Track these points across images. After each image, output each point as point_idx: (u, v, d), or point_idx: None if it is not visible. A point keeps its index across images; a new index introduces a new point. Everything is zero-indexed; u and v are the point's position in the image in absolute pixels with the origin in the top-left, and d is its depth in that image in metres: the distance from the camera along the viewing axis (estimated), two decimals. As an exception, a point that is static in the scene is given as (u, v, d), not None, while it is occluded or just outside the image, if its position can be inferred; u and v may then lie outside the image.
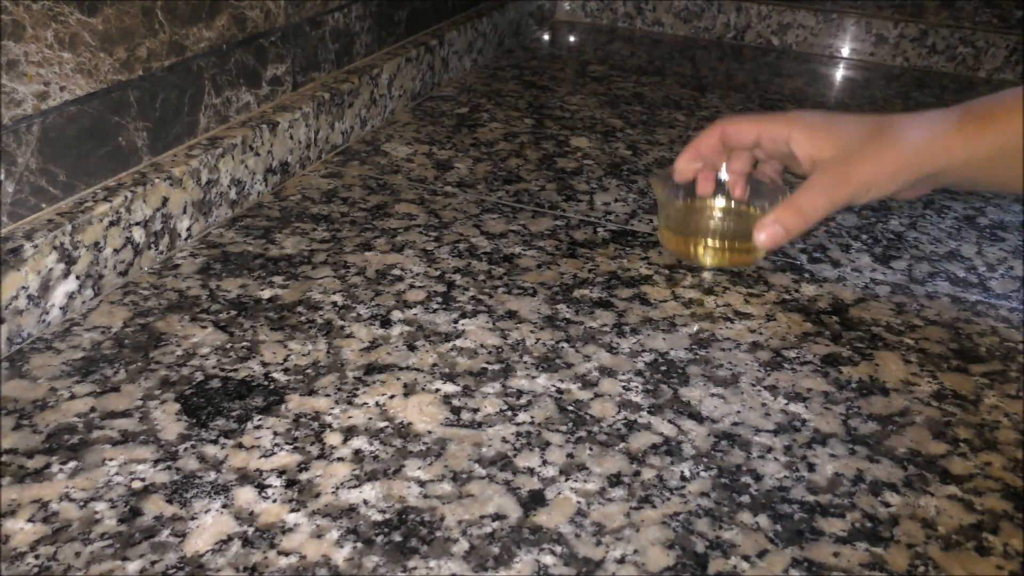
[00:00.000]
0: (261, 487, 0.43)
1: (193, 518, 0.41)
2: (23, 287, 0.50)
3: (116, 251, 0.56)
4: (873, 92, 1.07)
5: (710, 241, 0.65)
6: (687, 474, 0.45)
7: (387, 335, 0.55)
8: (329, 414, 0.48)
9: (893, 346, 0.57)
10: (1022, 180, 0.54)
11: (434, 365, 0.52)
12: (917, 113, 0.57)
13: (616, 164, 0.81)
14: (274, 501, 0.42)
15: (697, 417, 0.49)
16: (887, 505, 0.44)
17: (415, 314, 0.57)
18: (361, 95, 0.81)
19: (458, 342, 0.54)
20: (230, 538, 0.40)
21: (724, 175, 0.65)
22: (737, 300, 0.61)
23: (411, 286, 0.60)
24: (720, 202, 0.66)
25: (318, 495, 0.43)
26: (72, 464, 0.43)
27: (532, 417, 0.48)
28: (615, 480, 0.45)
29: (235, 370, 0.51)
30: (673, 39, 1.24)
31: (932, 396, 0.52)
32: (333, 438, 0.46)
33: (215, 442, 0.45)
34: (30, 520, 0.40)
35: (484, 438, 0.47)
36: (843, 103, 1.04)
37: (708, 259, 0.64)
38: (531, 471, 0.45)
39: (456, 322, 0.56)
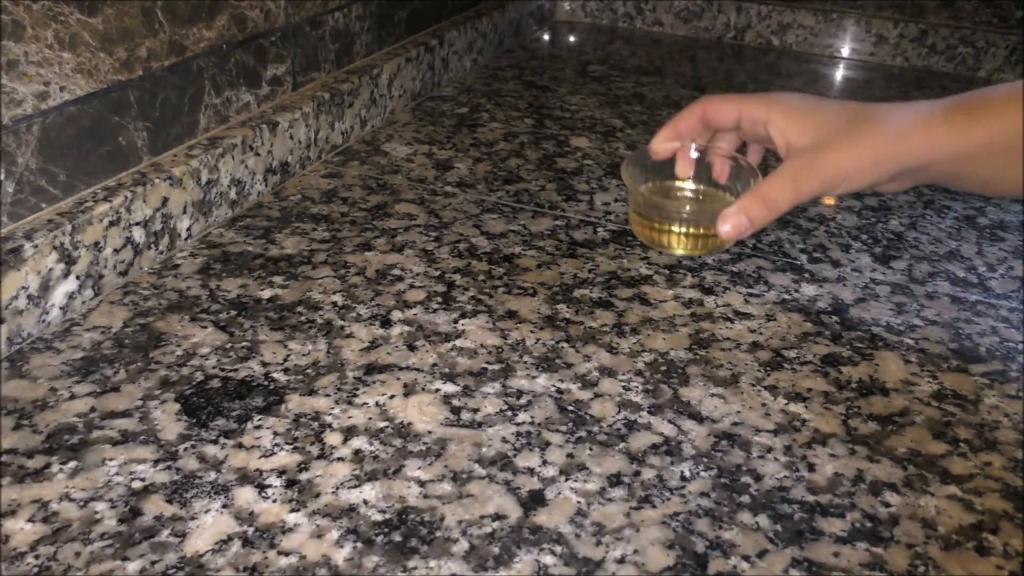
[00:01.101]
0: (261, 487, 0.43)
1: (193, 518, 0.41)
2: (23, 287, 0.50)
3: (116, 251, 0.56)
4: (873, 92, 1.07)
5: (680, 228, 0.62)
6: (687, 474, 0.45)
7: (387, 335, 0.55)
8: (329, 414, 0.48)
9: (893, 346, 0.57)
10: (1012, 179, 0.52)
11: (434, 365, 0.52)
12: (902, 103, 0.54)
13: (616, 164, 0.81)
14: (274, 501, 0.42)
15: (697, 417, 0.49)
16: (887, 505, 0.44)
17: (415, 314, 0.57)
18: (361, 95, 0.81)
19: (458, 342, 0.54)
20: (230, 538, 0.40)
21: (695, 154, 0.62)
22: (737, 300, 0.61)
23: (411, 286, 0.60)
24: (690, 185, 0.63)
25: (318, 495, 0.43)
26: (72, 464, 0.43)
27: (532, 417, 0.48)
28: (615, 480, 0.45)
29: (235, 370, 0.51)
30: (673, 39, 1.24)
31: (932, 396, 0.52)
32: (333, 438, 0.46)
33: (215, 442, 0.45)
34: (30, 520, 0.40)
35: (484, 438, 0.47)
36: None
37: (679, 248, 0.62)
38: (531, 471, 0.45)
39: (456, 322, 0.56)
